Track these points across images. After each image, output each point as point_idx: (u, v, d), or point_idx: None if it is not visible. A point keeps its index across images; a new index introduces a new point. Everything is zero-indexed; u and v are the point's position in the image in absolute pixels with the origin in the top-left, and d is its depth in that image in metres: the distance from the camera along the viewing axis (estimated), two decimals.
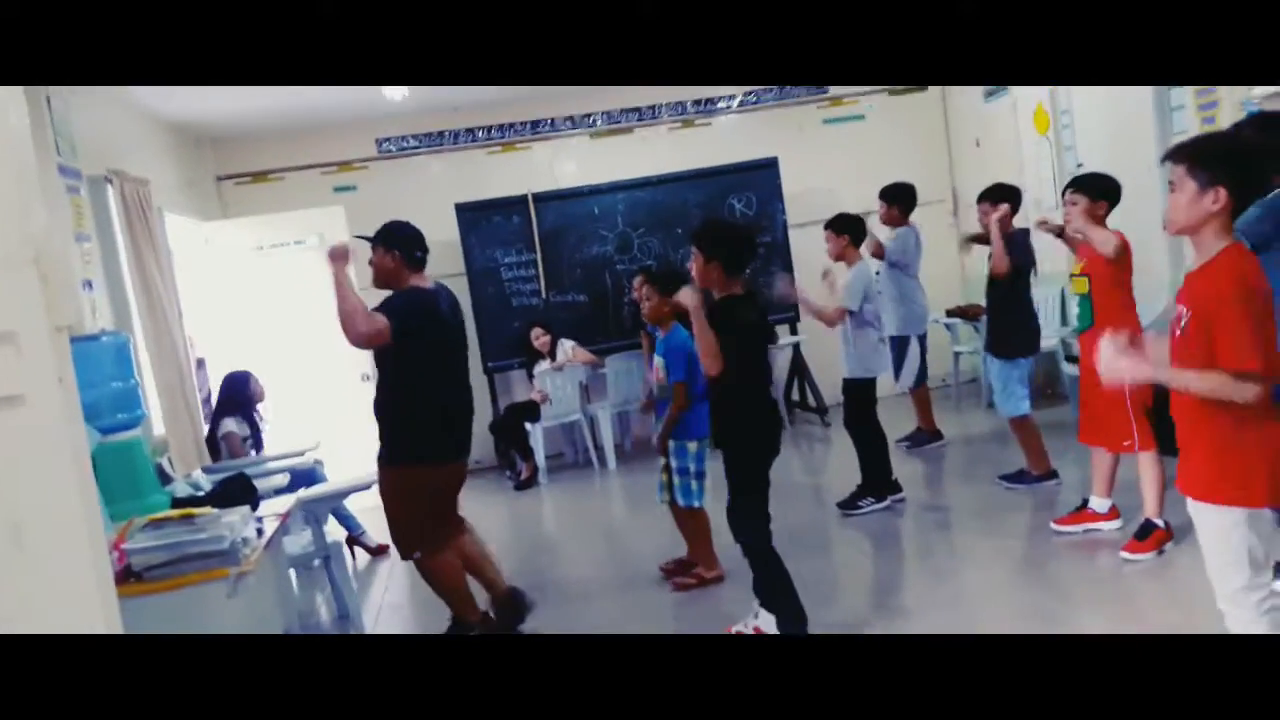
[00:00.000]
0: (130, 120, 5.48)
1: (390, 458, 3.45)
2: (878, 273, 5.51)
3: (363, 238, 3.64)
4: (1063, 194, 4.01)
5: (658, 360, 4.11)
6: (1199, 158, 2.19)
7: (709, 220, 3.37)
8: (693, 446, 3.94)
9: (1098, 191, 3.83)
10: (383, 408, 3.47)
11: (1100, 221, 3.83)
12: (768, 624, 3.24)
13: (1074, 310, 3.96)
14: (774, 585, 3.21)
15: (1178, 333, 2.21)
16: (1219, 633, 2.24)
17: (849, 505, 4.73)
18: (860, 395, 4.77)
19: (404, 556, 3.57)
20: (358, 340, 3.31)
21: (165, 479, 4.14)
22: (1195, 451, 2.24)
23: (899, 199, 5.64)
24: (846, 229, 4.83)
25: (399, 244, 3.50)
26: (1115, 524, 3.95)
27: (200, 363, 5.81)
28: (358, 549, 5.24)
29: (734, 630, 3.35)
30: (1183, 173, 2.19)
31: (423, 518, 3.47)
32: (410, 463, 3.42)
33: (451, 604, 3.61)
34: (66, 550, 1.55)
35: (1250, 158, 2.26)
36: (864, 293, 4.64)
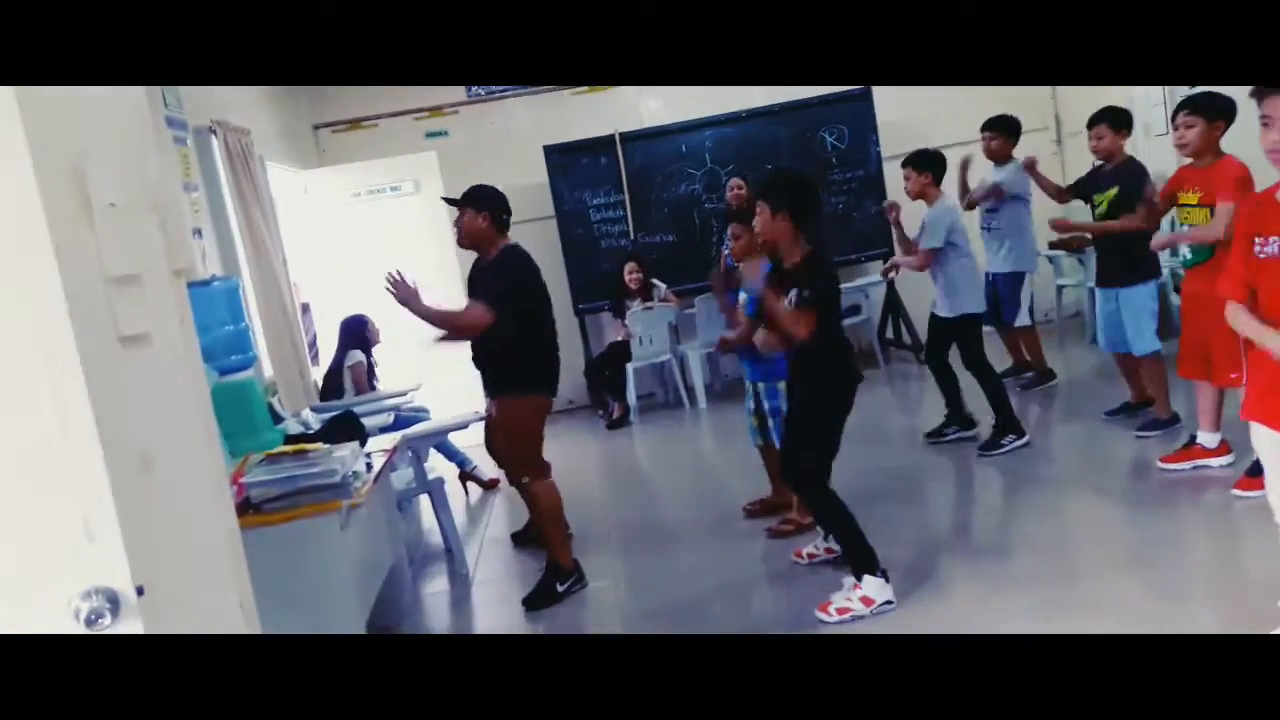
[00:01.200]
0: None
1: (511, 388, 3.72)
2: (991, 208, 5.35)
3: (450, 201, 3.85)
4: (1173, 117, 3.80)
5: (744, 298, 4.06)
6: None
7: (774, 171, 3.34)
8: (783, 386, 3.91)
9: (1214, 111, 3.60)
10: (496, 349, 3.68)
11: (1217, 144, 3.63)
12: (871, 589, 3.14)
13: (1186, 252, 3.76)
14: (840, 529, 3.21)
15: None
16: None
17: (990, 447, 4.59)
18: (969, 333, 4.63)
19: (515, 480, 3.82)
20: (471, 334, 3.65)
21: (276, 418, 4.34)
22: None
23: (1007, 129, 5.41)
24: (929, 165, 4.62)
25: (489, 206, 3.72)
26: (1226, 459, 3.79)
27: (305, 308, 6.02)
28: (470, 484, 5.45)
29: (832, 610, 3.17)
30: None
31: (536, 443, 3.75)
32: (528, 392, 3.70)
33: (551, 535, 3.75)
34: (192, 480, 1.64)
35: None
36: (948, 230, 4.50)
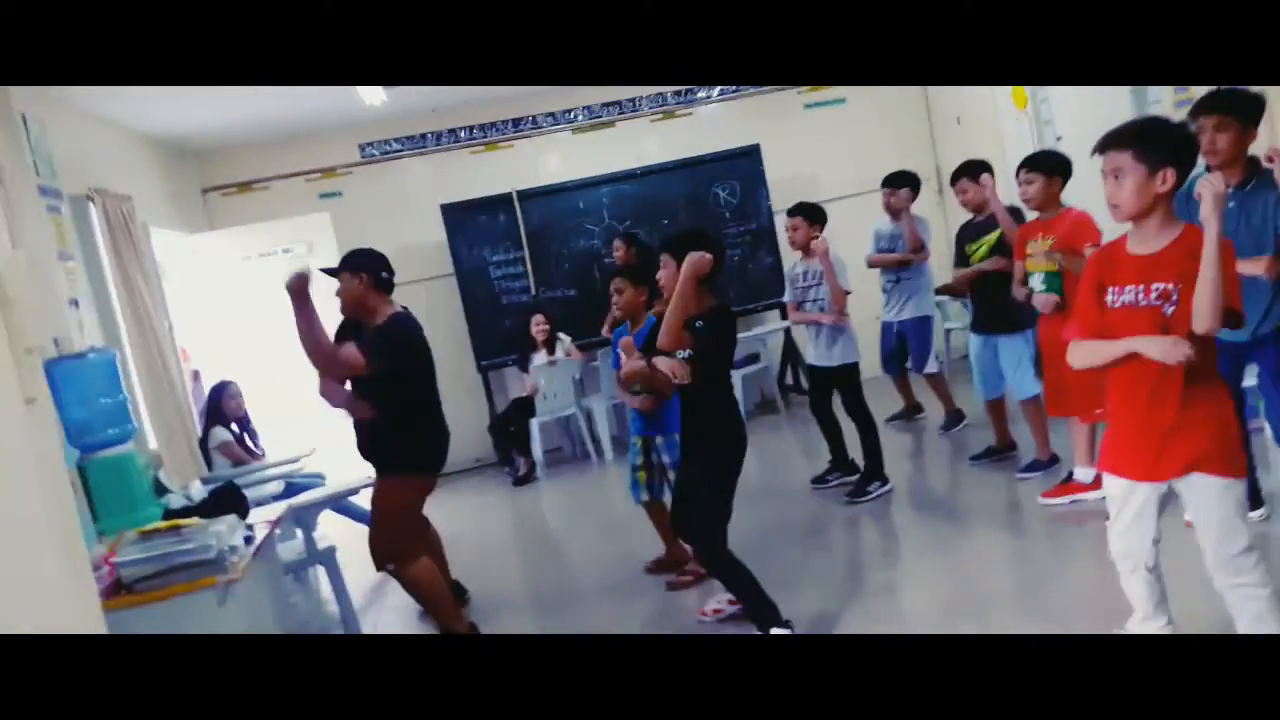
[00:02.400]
0: (111, 137, 5.51)
1: (388, 468, 3.59)
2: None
3: (328, 271, 3.65)
4: (1016, 174, 4.08)
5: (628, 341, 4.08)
6: (1147, 141, 2.22)
7: (679, 229, 3.42)
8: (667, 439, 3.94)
9: (1052, 167, 3.94)
10: (371, 435, 3.61)
11: (1057, 197, 3.90)
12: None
13: (1038, 286, 3.96)
14: (741, 587, 3.24)
15: (1166, 309, 2.24)
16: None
17: (858, 494, 4.72)
18: (853, 379, 4.78)
19: (380, 566, 3.65)
20: (330, 374, 3.56)
21: (162, 491, 4.18)
22: (1198, 428, 2.27)
23: (909, 183, 5.62)
24: (819, 219, 4.78)
25: (365, 267, 3.56)
26: (1101, 492, 3.97)
27: (196, 375, 5.85)
28: None
29: (711, 609, 3.42)
30: (1129, 158, 2.22)
31: (406, 527, 3.62)
32: (405, 472, 3.58)
33: (435, 610, 3.67)
34: (37, 567, 1.59)
35: (1188, 136, 2.33)
36: (847, 275, 4.68)
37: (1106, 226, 3.24)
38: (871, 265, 5.67)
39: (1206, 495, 2.28)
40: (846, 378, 4.77)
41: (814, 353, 4.87)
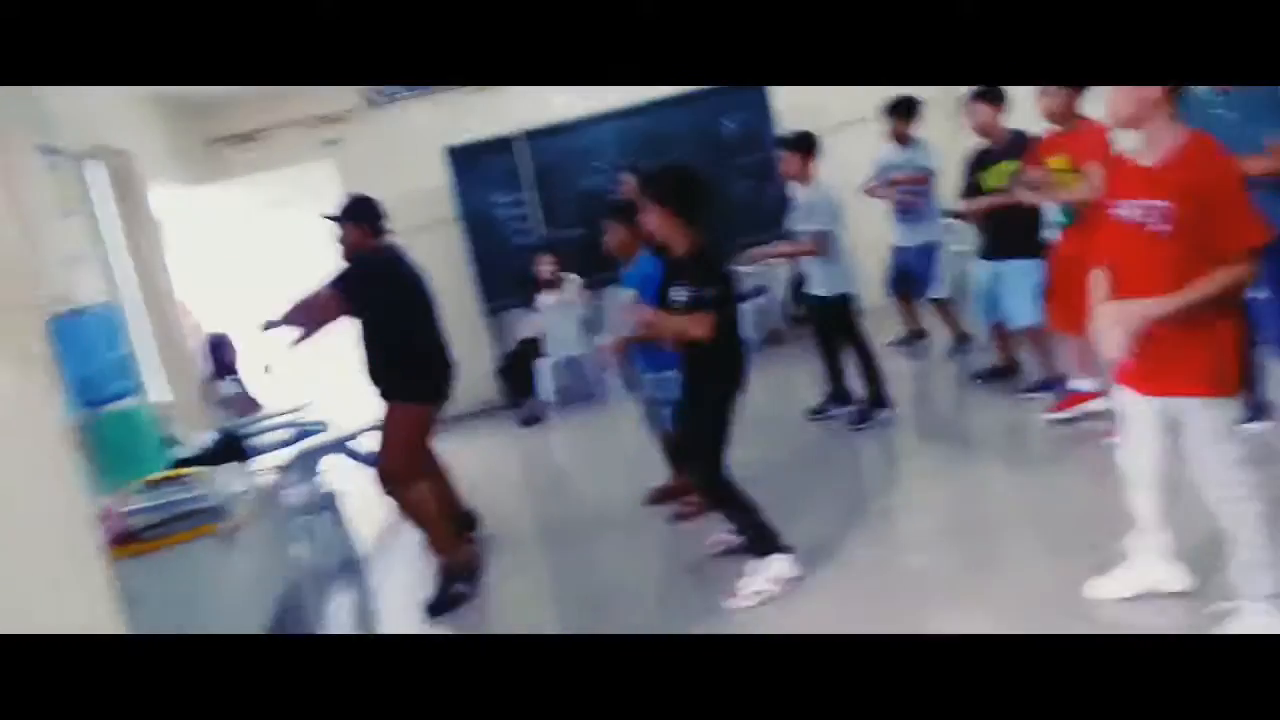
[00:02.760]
0: (112, 93, 5.50)
1: (391, 395, 3.77)
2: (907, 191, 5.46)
3: (330, 218, 3.84)
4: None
5: (627, 293, 4.10)
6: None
7: (660, 168, 3.36)
8: (672, 374, 3.96)
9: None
10: (370, 360, 3.77)
11: (1071, 108, 3.83)
12: (778, 567, 3.21)
13: (1055, 216, 3.90)
14: (740, 516, 3.27)
15: (1161, 228, 2.18)
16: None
17: (859, 421, 4.74)
18: (847, 311, 4.77)
19: (397, 484, 3.78)
20: (309, 325, 3.69)
21: (174, 444, 4.27)
22: (1195, 346, 2.23)
23: (911, 113, 5.54)
24: (803, 147, 4.69)
25: (367, 217, 3.75)
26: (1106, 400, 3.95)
27: (199, 328, 5.91)
28: None
29: (746, 593, 3.25)
30: None
31: (409, 453, 3.75)
32: (407, 400, 3.73)
33: (430, 535, 3.79)
34: (38, 519, 1.64)
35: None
36: (833, 211, 4.60)
37: None
38: (869, 194, 5.60)
39: (1195, 412, 2.27)
40: (839, 308, 4.76)
41: (811, 282, 4.84)
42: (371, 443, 3.85)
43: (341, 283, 3.61)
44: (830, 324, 4.86)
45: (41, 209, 4.06)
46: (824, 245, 4.65)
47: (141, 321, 4.74)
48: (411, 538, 4.67)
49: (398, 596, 4.01)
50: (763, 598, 3.13)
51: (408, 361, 3.71)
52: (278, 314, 3.69)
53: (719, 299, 3.18)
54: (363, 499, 4.33)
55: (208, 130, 7.16)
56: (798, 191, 4.81)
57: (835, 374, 4.97)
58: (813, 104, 7.29)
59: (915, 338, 6.11)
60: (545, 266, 6.75)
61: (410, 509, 3.76)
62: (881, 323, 6.13)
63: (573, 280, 6.86)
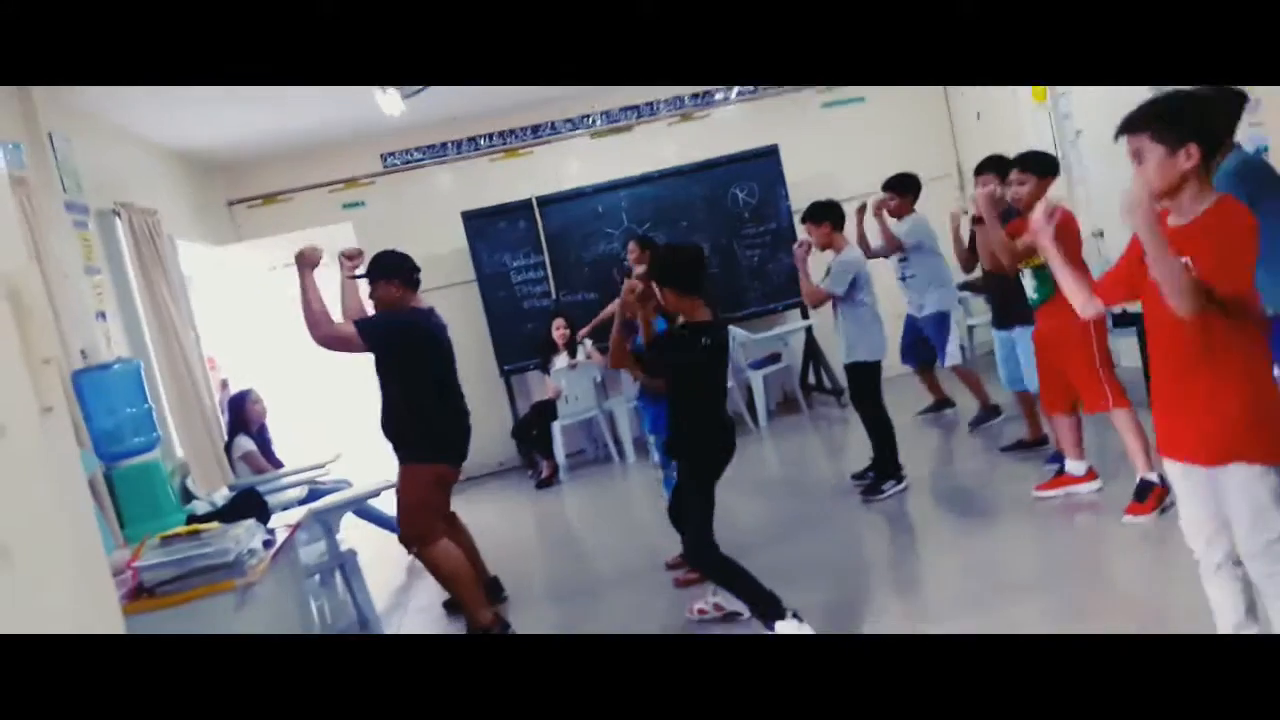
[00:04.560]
0: (137, 152, 5.63)
1: (407, 455, 3.78)
2: (902, 259, 5.49)
3: (358, 277, 3.94)
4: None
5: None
6: (1162, 119, 2.17)
7: (656, 250, 3.61)
8: None
9: (1043, 169, 3.93)
10: (386, 416, 3.79)
11: (1043, 196, 3.87)
12: (786, 630, 3.17)
13: (1029, 284, 3.94)
14: (735, 584, 3.25)
15: None
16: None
17: (872, 492, 4.71)
18: (865, 378, 4.77)
19: (414, 544, 3.80)
20: (321, 340, 3.65)
21: (189, 498, 4.27)
22: (1225, 412, 2.18)
23: (907, 188, 5.60)
24: (825, 216, 4.74)
25: (396, 273, 3.78)
26: (1095, 485, 4.03)
27: (224, 384, 5.95)
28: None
29: (696, 609, 3.50)
30: (1148, 139, 2.18)
31: (427, 513, 3.74)
32: (424, 461, 3.73)
33: (462, 596, 3.75)
34: (53, 572, 1.63)
35: (1212, 107, 2.25)
36: (853, 278, 4.64)
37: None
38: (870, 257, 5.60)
39: (1239, 480, 2.21)
40: (859, 374, 4.75)
41: (842, 348, 4.83)
42: (388, 503, 3.85)
43: (366, 324, 3.70)
44: (855, 390, 4.83)
45: (67, 264, 4.13)
46: (819, 300, 4.74)
47: (162, 377, 4.76)
48: (425, 599, 4.64)
49: None
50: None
51: (424, 420, 3.71)
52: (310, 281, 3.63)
53: (684, 362, 3.28)
54: (378, 558, 4.31)
55: (231, 191, 7.30)
56: (831, 258, 4.78)
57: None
58: (822, 176, 7.43)
59: (941, 407, 6.08)
60: (559, 331, 6.80)
61: (437, 569, 3.75)
62: (911, 393, 6.14)
63: (587, 344, 6.90)
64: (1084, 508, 3.94)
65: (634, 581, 4.27)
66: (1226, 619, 2.33)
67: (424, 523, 3.72)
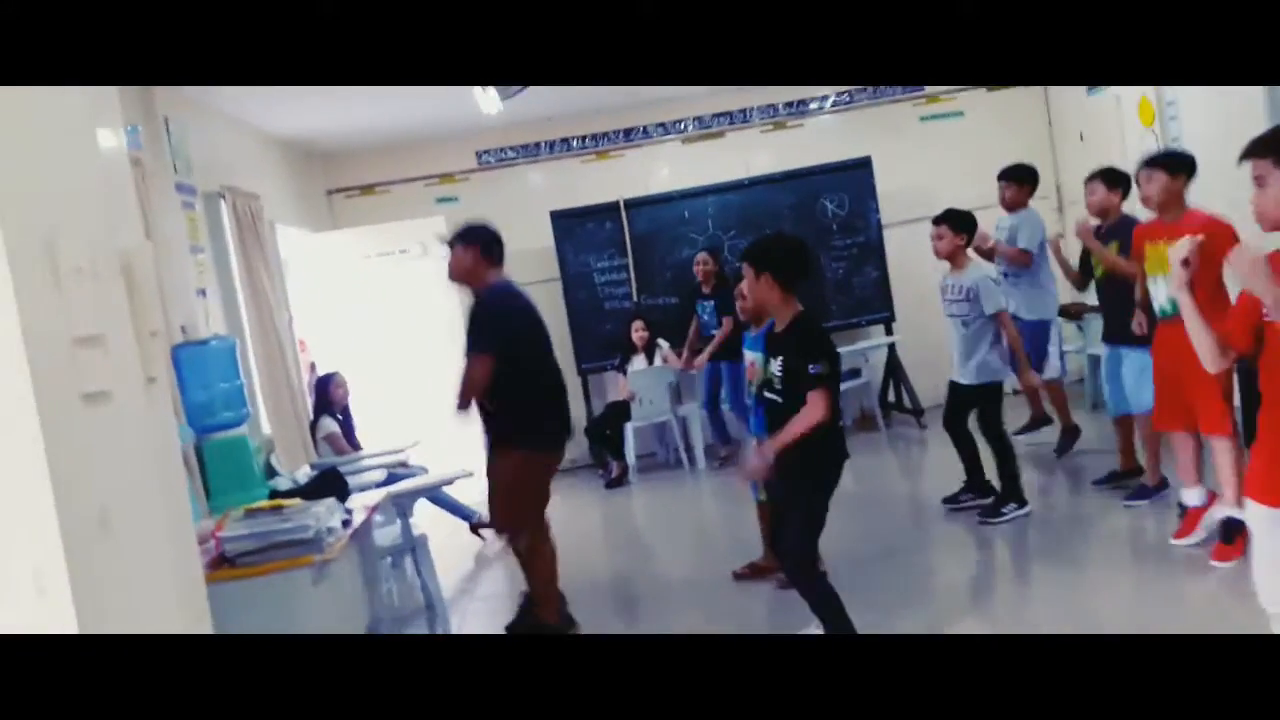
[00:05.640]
0: (244, 139, 5.85)
1: (505, 441, 3.66)
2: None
3: (445, 241, 3.88)
4: (1135, 177, 3.90)
5: (754, 355, 4.07)
6: None
7: (759, 237, 3.41)
8: None
9: (1175, 165, 3.71)
10: (495, 400, 3.64)
11: (1181, 197, 3.70)
12: None
13: (1161, 293, 3.70)
14: (827, 609, 3.16)
15: None
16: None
17: (991, 514, 4.55)
18: (993, 400, 4.58)
19: (509, 538, 3.75)
20: (481, 387, 3.55)
21: (273, 474, 4.42)
22: None
23: (1027, 179, 5.45)
24: (965, 228, 4.56)
25: (476, 240, 3.71)
26: (1223, 511, 3.65)
27: (312, 366, 6.15)
28: (485, 533, 5.50)
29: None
30: (1270, 164, 2.14)
31: (529, 502, 3.68)
32: (523, 447, 3.64)
33: (541, 595, 3.73)
34: (148, 536, 1.71)
35: None
36: (999, 297, 4.49)
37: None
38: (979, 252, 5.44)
39: None
40: (984, 396, 4.57)
41: (955, 367, 4.68)
42: (462, 491, 3.87)
43: (475, 337, 3.55)
44: (966, 412, 4.66)
45: (175, 242, 4.32)
46: (1009, 323, 4.54)
47: (255, 356, 4.94)
48: (490, 588, 4.71)
49: None
50: None
51: (527, 405, 3.59)
52: (459, 401, 3.59)
53: (830, 375, 3.08)
54: (447, 545, 4.38)
55: (330, 180, 7.52)
56: (948, 274, 4.67)
57: (971, 461, 4.73)
58: (917, 189, 7.30)
59: (1039, 424, 5.69)
60: (638, 333, 6.84)
61: (535, 568, 3.69)
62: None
63: (663, 346, 6.92)
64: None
65: (697, 587, 4.27)
66: None
67: (524, 511, 3.66)
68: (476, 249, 3.69)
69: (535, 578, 3.74)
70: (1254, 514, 2.26)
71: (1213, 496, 3.76)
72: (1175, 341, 3.55)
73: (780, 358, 3.20)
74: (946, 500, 4.86)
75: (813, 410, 3.03)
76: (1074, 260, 5.03)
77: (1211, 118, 5.40)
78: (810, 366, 3.05)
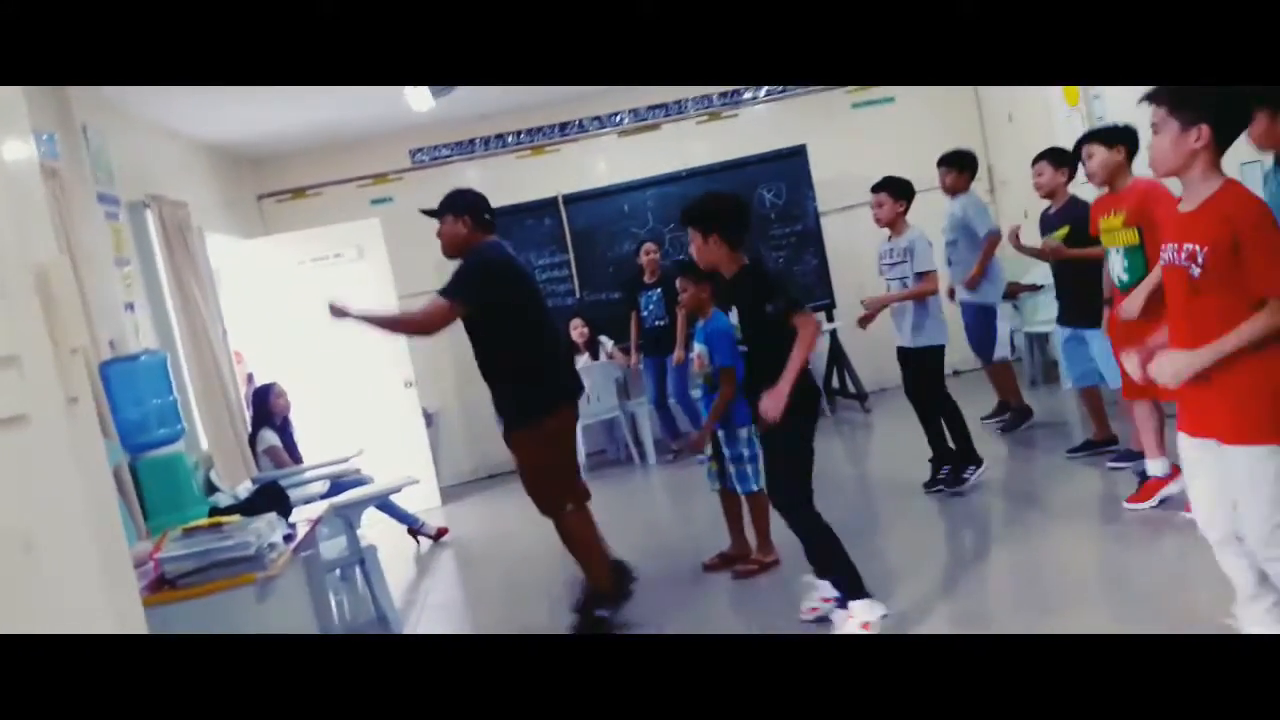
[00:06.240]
0: (169, 145, 5.67)
1: (515, 420, 3.52)
2: (951, 241, 5.43)
3: (427, 212, 3.66)
4: (1076, 153, 3.98)
5: (699, 348, 4.10)
6: (1179, 97, 2.22)
7: (694, 199, 3.32)
8: (743, 433, 3.92)
9: (1112, 138, 3.77)
10: (495, 371, 3.53)
11: (1122, 168, 3.76)
12: (863, 611, 3.13)
13: (1118, 264, 3.73)
14: (824, 548, 3.16)
15: (1193, 270, 2.21)
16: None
17: (954, 483, 4.57)
18: (934, 364, 4.62)
19: (552, 514, 3.63)
20: (424, 329, 3.44)
21: (213, 491, 4.30)
22: (1231, 391, 2.20)
23: (968, 165, 5.50)
24: (904, 194, 4.57)
25: (466, 208, 3.53)
26: (1179, 483, 3.64)
27: (250, 378, 6.00)
28: (422, 539, 5.52)
29: (809, 610, 3.35)
30: (1164, 114, 2.25)
31: (555, 474, 3.58)
32: (535, 417, 3.49)
33: (590, 565, 3.64)
34: (76, 562, 1.64)
35: (1229, 93, 2.26)
36: (930, 255, 4.53)
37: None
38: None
39: (1246, 462, 2.20)
40: (925, 360, 4.60)
41: (899, 334, 4.69)
42: (408, 499, 3.80)
43: (456, 286, 3.35)
44: (922, 379, 4.67)
45: (98, 255, 4.16)
46: (935, 283, 4.56)
47: (188, 369, 4.80)
48: (441, 596, 4.64)
49: None
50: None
51: (529, 369, 3.43)
52: (361, 310, 3.38)
53: (798, 296, 3.14)
54: (400, 554, 4.29)
55: (260, 184, 7.34)
56: (886, 240, 4.71)
57: (934, 431, 4.71)
58: (851, 176, 7.37)
59: (1005, 410, 5.79)
60: (578, 331, 6.80)
61: (573, 538, 3.60)
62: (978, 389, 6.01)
63: (606, 344, 6.89)
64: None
65: (657, 581, 4.24)
66: (1241, 590, 2.38)
67: (557, 486, 3.55)
68: (468, 219, 3.50)
69: (577, 546, 3.64)
70: (1181, 446, 2.40)
71: (1175, 470, 3.78)
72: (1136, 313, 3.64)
73: (736, 307, 3.25)
74: (926, 485, 4.76)
75: (807, 331, 3.07)
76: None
77: (1133, 95, 5.52)
78: (768, 306, 3.11)
